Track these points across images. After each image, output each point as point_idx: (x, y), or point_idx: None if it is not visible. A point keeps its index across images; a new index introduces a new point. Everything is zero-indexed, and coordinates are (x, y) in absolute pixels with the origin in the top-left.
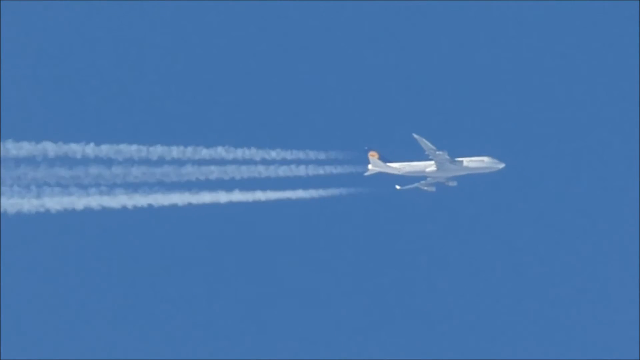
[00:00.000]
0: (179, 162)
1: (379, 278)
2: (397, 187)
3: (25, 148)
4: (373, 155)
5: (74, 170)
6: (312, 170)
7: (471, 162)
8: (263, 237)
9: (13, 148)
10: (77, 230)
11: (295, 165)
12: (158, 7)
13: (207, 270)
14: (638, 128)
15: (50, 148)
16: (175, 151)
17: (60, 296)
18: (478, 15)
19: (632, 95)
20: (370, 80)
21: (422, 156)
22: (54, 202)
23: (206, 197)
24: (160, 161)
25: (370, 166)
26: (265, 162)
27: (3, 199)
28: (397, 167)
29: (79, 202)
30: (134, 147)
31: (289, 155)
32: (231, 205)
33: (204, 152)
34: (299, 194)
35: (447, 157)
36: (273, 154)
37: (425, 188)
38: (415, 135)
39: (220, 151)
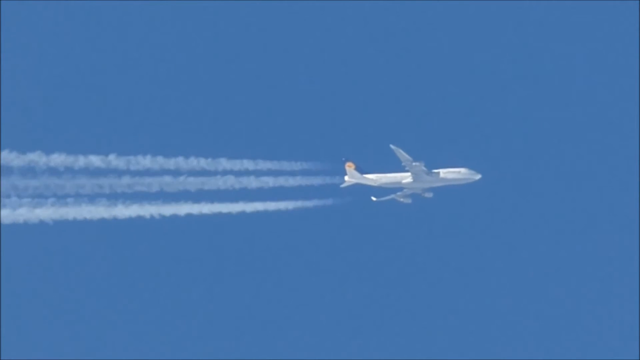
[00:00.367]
0: (158, 173)
1: (354, 289)
2: (373, 198)
3: (23, 158)
4: (350, 167)
5: (65, 179)
6: (288, 182)
7: (448, 174)
8: (238, 248)
9: (11, 157)
10: (74, 237)
11: (271, 176)
12: (158, 7)
13: (185, 281)
14: (638, 128)
15: (45, 158)
16: (155, 162)
17: (60, 297)
18: (461, 18)
19: (632, 95)
20: (346, 91)
21: (398, 167)
22: (50, 212)
23: (183, 209)
24: (140, 172)
25: (346, 177)
26: (240, 173)
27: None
28: (373, 178)
29: (72, 212)
30: (119, 157)
31: (264, 166)
32: (208, 216)
33: (181, 163)
34: (275, 205)
35: (424, 168)
36: (249, 165)
37: (402, 199)
38: (392, 146)
39: (197, 162)
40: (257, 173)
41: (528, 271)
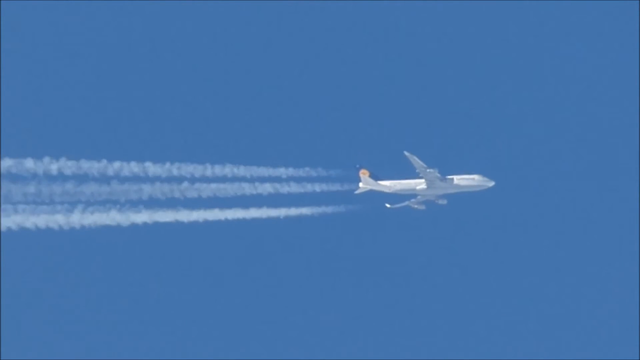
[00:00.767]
0: (169, 180)
1: (367, 296)
2: (387, 205)
3: (24, 164)
4: (364, 173)
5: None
6: (302, 188)
7: (462, 180)
8: (253, 254)
9: (11, 163)
10: (75, 241)
11: (285, 182)
12: (159, 7)
13: (199, 287)
14: (638, 128)
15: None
16: (165, 168)
17: (60, 298)
18: (470, 24)
19: (632, 95)
20: (361, 98)
21: (413, 174)
22: (48, 219)
23: (196, 215)
24: (152, 178)
25: (361, 184)
26: (254, 179)
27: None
28: (387, 185)
29: (67, 218)
30: (123, 163)
31: (279, 172)
32: (222, 222)
33: (194, 169)
34: (289, 211)
35: (438, 175)
36: (263, 172)
37: (416, 206)
38: (406, 153)
39: (213, 169)
40: (272, 180)
41: (538, 276)
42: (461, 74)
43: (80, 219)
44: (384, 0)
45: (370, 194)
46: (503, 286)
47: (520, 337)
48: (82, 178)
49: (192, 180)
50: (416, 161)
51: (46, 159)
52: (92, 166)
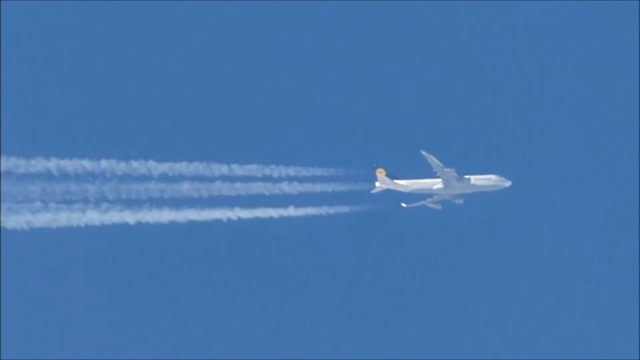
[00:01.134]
0: (186, 179)
1: (382, 295)
2: (404, 204)
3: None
4: (380, 173)
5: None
6: (319, 187)
7: (478, 180)
8: (269, 254)
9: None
10: (75, 240)
11: (302, 182)
12: (159, 8)
13: (214, 285)
14: (638, 128)
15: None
16: (186, 168)
17: (59, 297)
18: (482, 23)
19: (632, 95)
20: (378, 97)
21: (429, 173)
22: (48, 218)
23: (211, 214)
24: (163, 177)
25: (377, 183)
26: (272, 179)
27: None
28: (404, 184)
29: (65, 216)
30: (128, 162)
31: (296, 172)
32: (238, 222)
33: (210, 169)
34: (306, 211)
35: (455, 174)
36: (280, 171)
37: (432, 206)
38: (423, 152)
39: (230, 168)
40: (289, 179)
41: (549, 276)
42: (478, 74)
43: (79, 217)
44: None
45: (387, 193)
46: (514, 285)
47: (523, 336)
48: (77, 177)
49: (209, 179)
50: (433, 160)
51: (42, 159)
52: (88, 165)
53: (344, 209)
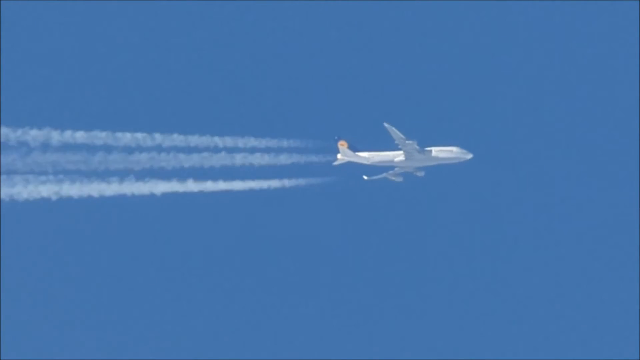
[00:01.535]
0: (148, 150)
1: (343, 268)
2: (365, 177)
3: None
4: (342, 145)
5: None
6: (280, 160)
7: (440, 152)
8: (231, 226)
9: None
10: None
11: (264, 153)
12: (160, 7)
13: (175, 262)
14: (638, 128)
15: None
16: (147, 139)
17: (60, 297)
18: (471, 12)
19: (632, 95)
20: (339, 69)
21: (391, 146)
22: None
23: (173, 186)
24: (131, 149)
25: (339, 155)
26: (233, 150)
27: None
28: (366, 156)
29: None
30: (115, 134)
31: (257, 143)
32: (198, 194)
33: (174, 140)
34: (267, 183)
35: (417, 147)
36: (241, 142)
37: (393, 178)
38: (385, 124)
39: (191, 139)
40: (250, 150)
41: (516, 252)
42: (441, 49)
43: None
44: None
45: (349, 165)
46: (479, 261)
47: (519, 335)
48: (72, 147)
49: (169, 150)
50: (395, 133)
51: (46, 129)
52: (82, 136)
53: (305, 181)
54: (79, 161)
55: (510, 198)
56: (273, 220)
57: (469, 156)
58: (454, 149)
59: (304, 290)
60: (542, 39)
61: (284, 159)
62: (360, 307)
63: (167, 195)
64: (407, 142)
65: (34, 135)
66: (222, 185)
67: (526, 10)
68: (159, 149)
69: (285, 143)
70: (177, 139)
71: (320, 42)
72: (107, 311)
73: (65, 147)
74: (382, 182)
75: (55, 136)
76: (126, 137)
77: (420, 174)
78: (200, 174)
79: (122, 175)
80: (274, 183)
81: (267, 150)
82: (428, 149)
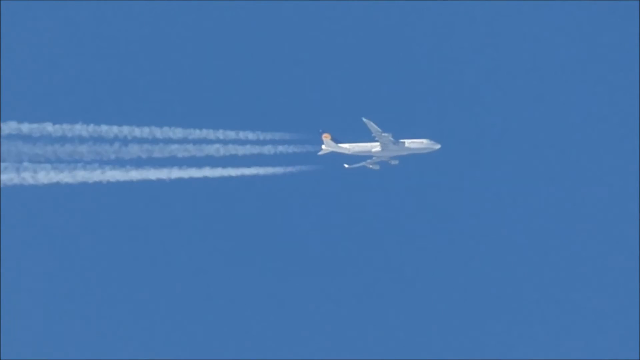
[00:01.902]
0: (145, 141)
1: (327, 246)
2: (346, 165)
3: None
4: (326, 137)
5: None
6: (271, 150)
7: (412, 144)
8: (226, 210)
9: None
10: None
11: (256, 145)
12: (161, 8)
13: (167, 244)
14: (638, 128)
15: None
16: (144, 132)
17: (59, 296)
18: (469, 12)
19: (632, 95)
20: (324, 71)
21: (369, 138)
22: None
23: (174, 173)
24: (129, 140)
25: (323, 146)
26: (228, 142)
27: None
28: (347, 147)
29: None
30: (112, 127)
31: (250, 136)
32: (195, 180)
33: (174, 132)
34: (259, 170)
35: (391, 139)
36: (235, 135)
37: (371, 166)
38: (364, 119)
39: (189, 132)
40: (243, 142)
41: (477, 229)
42: (422, 47)
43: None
44: None
45: (332, 155)
46: (442, 240)
47: (518, 334)
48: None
49: (167, 142)
50: (372, 126)
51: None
52: (73, 128)
53: (294, 168)
54: (88, 152)
55: (474, 183)
56: (266, 203)
57: (437, 147)
58: (424, 140)
59: (290, 269)
60: (541, 39)
61: (273, 149)
62: (333, 283)
63: (154, 182)
64: (383, 134)
65: (34, 128)
66: (217, 172)
67: (526, 10)
68: (148, 141)
69: (276, 135)
70: (174, 132)
71: (315, 47)
72: (106, 311)
73: (65, 139)
74: (361, 169)
75: (62, 130)
76: (126, 130)
77: (395, 162)
78: (197, 162)
79: (128, 163)
80: (267, 170)
81: (259, 142)
82: (402, 140)
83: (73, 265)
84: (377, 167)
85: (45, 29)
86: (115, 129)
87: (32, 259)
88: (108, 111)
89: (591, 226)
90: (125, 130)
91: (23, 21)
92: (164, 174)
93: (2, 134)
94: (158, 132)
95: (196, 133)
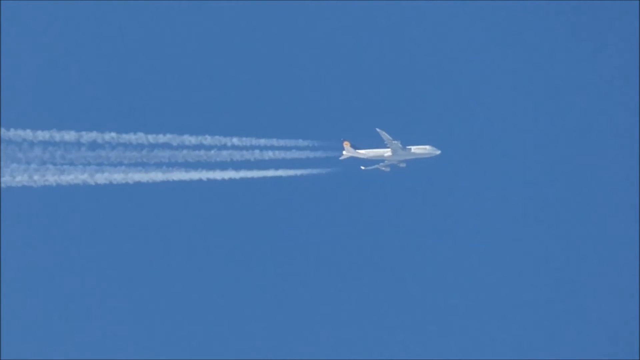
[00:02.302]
0: (180, 148)
1: (347, 239)
2: (363, 167)
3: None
4: (346, 144)
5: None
6: (299, 155)
7: (417, 149)
8: (255, 209)
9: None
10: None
11: (286, 150)
12: (162, 7)
13: (197, 243)
14: (638, 128)
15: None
16: (179, 140)
17: (59, 296)
18: (461, 14)
19: (632, 95)
20: (348, 86)
21: (382, 144)
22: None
23: (206, 175)
24: (168, 146)
25: (344, 152)
26: (259, 147)
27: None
28: (363, 152)
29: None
30: (147, 135)
31: (280, 143)
32: (228, 181)
33: (211, 140)
34: (289, 172)
35: (400, 145)
36: (266, 142)
37: (383, 168)
38: (377, 129)
39: (226, 139)
40: (274, 148)
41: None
42: (426, 68)
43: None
44: None
45: (351, 159)
46: (442, 235)
47: (517, 334)
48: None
49: (203, 147)
50: (385, 135)
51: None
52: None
53: (320, 170)
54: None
55: (469, 185)
56: (293, 202)
57: (438, 152)
58: (427, 147)
59: (316, 265)
60: (541, 39)
61: (303, 154)
62: (347, 279)
63: (189, 182)
64: (393, 142)
65: (34, 135)
66: (245, 174)
67: (526, 12)
68: (185, 147)
69: (304, 143)
70: (209, 140)
71: (334, 60)
72: (107, 311)
73: (71, 145)
74: (375, 171)
75: (67, 136)
76: (153, 138)
77: (403, 165)
78: (225, 166)
79: (158, 166)
80: (295, 172)
81: (288, 148)
82: (408, 147)
83: (73, 266)
84: (388, 169)
85: (45, 29)
86: (142, 136)
87: (32, 259)
88: (134, 118)
89: (591, 229)
90: (151, 138)
91: (23, 21)
92: (191, 175)
93: (2, 135)
94: (191, 140)
95: (226, 140)
